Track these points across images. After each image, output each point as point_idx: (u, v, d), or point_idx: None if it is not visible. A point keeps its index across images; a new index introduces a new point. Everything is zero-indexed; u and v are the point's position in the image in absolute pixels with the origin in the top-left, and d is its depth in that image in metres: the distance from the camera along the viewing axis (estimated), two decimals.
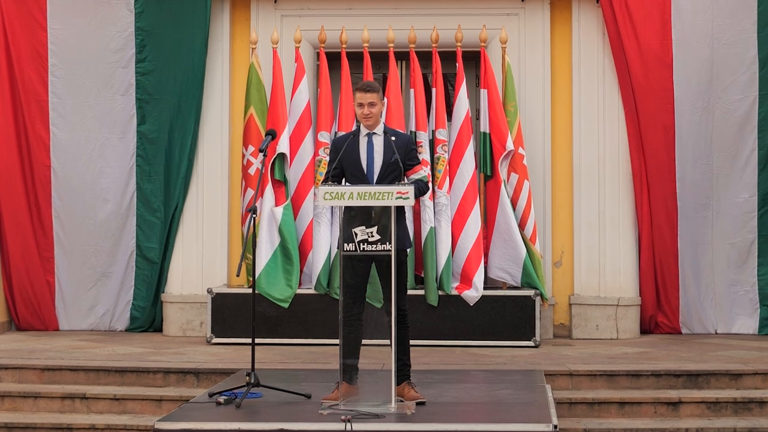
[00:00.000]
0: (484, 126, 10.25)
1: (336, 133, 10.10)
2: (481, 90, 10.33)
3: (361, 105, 7.04)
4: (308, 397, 7.14)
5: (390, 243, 6.74)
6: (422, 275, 10.01)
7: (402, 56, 10.52)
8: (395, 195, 6.68)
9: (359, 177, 7.01)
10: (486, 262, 10.13)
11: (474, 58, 10.63)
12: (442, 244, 9.96)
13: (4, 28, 10.62)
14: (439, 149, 10.10)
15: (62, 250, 10.75)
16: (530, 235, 10.13)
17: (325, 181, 6.99)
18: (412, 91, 10.27)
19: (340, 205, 6.80)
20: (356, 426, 6.34)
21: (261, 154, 7.85)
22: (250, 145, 10.28)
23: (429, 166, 9.97)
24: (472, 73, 10.81)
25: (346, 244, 6.81)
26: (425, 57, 10.35)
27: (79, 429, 7.80)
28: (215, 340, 10.01)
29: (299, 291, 10.01)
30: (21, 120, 10.67)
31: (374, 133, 7.08)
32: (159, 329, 10.72)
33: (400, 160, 6.97)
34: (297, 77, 10.31)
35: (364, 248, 6.78)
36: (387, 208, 6.75)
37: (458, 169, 10.12)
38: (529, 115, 10.52)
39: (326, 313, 9.78)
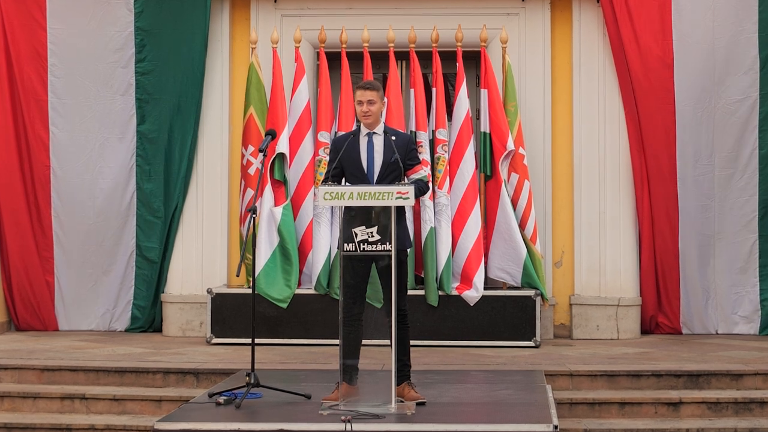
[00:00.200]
0: (485, 126, 10.24)
1: (336, 133, 10.09)
2: (482, 90, 10.32)
3: (360, 103, 7.03)
4: (308, 397, 7.13)
5: (390, 243, 6.72)
6: (422, 275, 10.00)
7: (402, 56, 10.51)
8: (395, 195, 6.67)
9: (359, 177, 7.00)
10: (486, 262, 10.12)
11: (474, 58, 10.62)
12: (443, 244, 9.95)
13: (3, 28, 10.60)
14: (439, 149, 10.09)
15: (62, 249, 10.74)
16: (530, 235, 10.12)
17: (325, 181, 6.98)
18: (412, 90, 10.26)
19: (340, 205, 6.79)
20: (356, 426, 6.33)
21: (261, 154, 7.84)
22: (249, 145, 10.27)
23: (429, 166, 9.96)
24: (473, 73, 10.80)
25: (346, 244, 6.80)
26: (425, 57, 10.34)
27: (79, 429, 7.80)
28: (215, 340, 10.00)
29: (299, 291, 10.00)
30: (20, 120, 10.66)
31: (374, 133, 7.08)
32: (159, 329, 10.71)
33: (401, 159, 6.96)
34: (297, 77, 10.30)
35: (364, 248, 6.77)
36: (387, 208, 6.74)
37: (458, 169, 10.11)
38: (530, 115, 10.51)
39: (326, 313, 9.77)
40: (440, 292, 9.90)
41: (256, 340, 7.55)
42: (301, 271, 10.12)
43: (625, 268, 10.45)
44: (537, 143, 10.53)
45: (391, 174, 6.98)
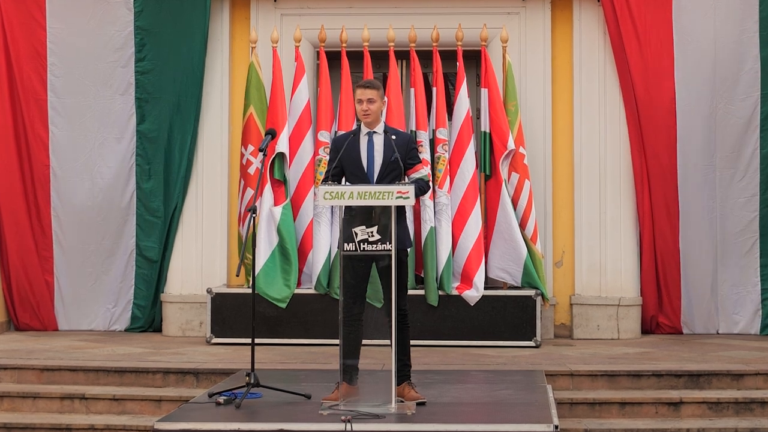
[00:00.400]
0: (485, 125, 10.23)
1: (336, 132, 10.08)
2: (482, 89, 10.31)
3: (360, 101, 7.03)
4: (308, 397, 7.12)
5: (390, 243, 6.71)
6: (422, 275, 9.99)
7: (402, 55, 10.50)
8: (395, 194, 6.65)
9: (359, 176, 6.99)
10: (486, 262, 10.10)
11: (475, 57, 10.60)
12: (443, 244, 9.94)
13: (3, 27, 10.59)
14: (439, 148, 10.08)
15: (61, 249, 10.72)
16: (531, 234, 10.11)
17: (325, 181, 6.97)
18: (412, 90, 10.24)
19: (340, 204, 6.78)
20: (356, 426, 6.32)
21: (261, 154, 7.83)
22: (249, 145, 10.26)
23: (429, 166, 9.94)
24: (473, 73, 10.79)
25: (346, 244, 6.79)
26: (426, 56, 10.33)
27: (78, 429, 7.79)
28: (215, 340, 9.99)
29: (299, 291, 9.99)
30: (20, 119, 10.65)
31: (375, 132, 7.07)
32: (158, 329, 10.70)
33: (401, 159, 6.95)
34: (297, 76, 10.29)
35: (364, 248, 6.76)
36: (387, 208, 6.72)
37: (459, 168, 10.10)
38: (530, 115, 10.50)
39: (326, 313, 9.76)
40: (440, 292, 9.89)
41: (256, 340, 7.54)
42: (301, 271, 10.10)
43: (626, 267, 10.44)
44: (537, 143, 10.52)
45: (392, 173, 6.97)
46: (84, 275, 10.76)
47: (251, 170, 10.20)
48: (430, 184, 9.51)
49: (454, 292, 9.90)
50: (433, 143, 10.13)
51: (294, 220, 10.12)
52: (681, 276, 10.47)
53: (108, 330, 10.79)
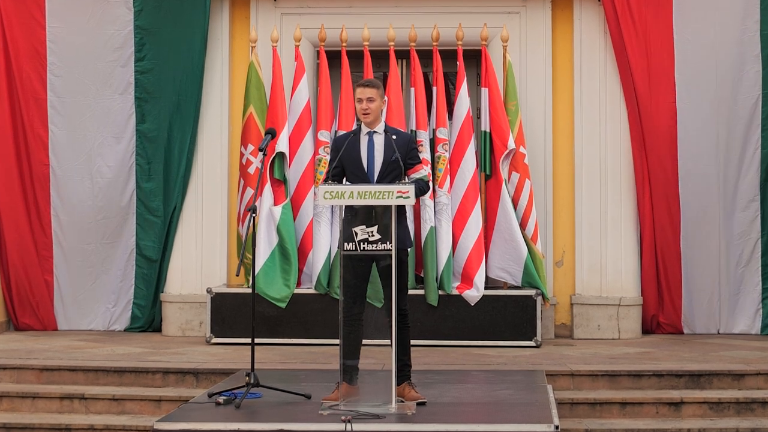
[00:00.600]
0: (485, 125, 10.22)
1: (336, 132, 10.07)
2: (482, 89, 10.29)
3: (360, 100, 7.02)
4: (308, 397, 7.11)
5: (390, 242, 6.70)
6: (422, 275, 9.97)
7: (402, 55, 10.49)
8: (396, 194, 6.65)
9: (359, 176, 6.98)
10: (487, 262, 10.09)
11: (475, 57, 10.59)
12: (443, 244, 9.93)
13: (2, 27, 10.58)
14: (439, 148, 10.07)
15: (61, 249, 10.71)
16: (531, 234, 10.10)
17: (325, 180, 6.96)
18: (412, 89, 10.23)
19: (340, 204, 6.77)
20: (356, 426, 6.31)
21: (260, 153, 7.82)
22: (249, 144, 10.25)
23: (429, 165, 9.93)
24: (473, 72, 10.77)
25: (346, 244, 6.78)
26: (426, 55, 10.32)
27: (78, 429, 7.78)
28: (215, 340, 9.97)
29: (299, 291, 9.98)
30: (19, 118, 10.64)
31: (375, 132, 7.06)
32: (158, 329, 10.69)
33: (401, 158, 6.94)
34: (297, 76, 10.28)
35: (364, 248, 6.75)
36: (387, 208, 6.71)
37: (459, 168, 10.09)
38: (531, 114, 10.49)
39: (326, 313, 9.75)
40: (441, 292, 9.88)
41: (256, 340, 7.53)
42: (301, 271, 10.09)
43: (627, 267, 10.43)
44: (538, 142, 10.51)
45: (392, 173, 6.96)
46: (84, 275, 10.75)
47: (251, 170, 10.19)
48: (430, 184, 9.52)
49: (455, 292, 9.89)
50: (433, 143, 10.11)
51: (294, 220, 10.11)
52: (682, 276, 10.46)
53: (108, 330, 10.79)
